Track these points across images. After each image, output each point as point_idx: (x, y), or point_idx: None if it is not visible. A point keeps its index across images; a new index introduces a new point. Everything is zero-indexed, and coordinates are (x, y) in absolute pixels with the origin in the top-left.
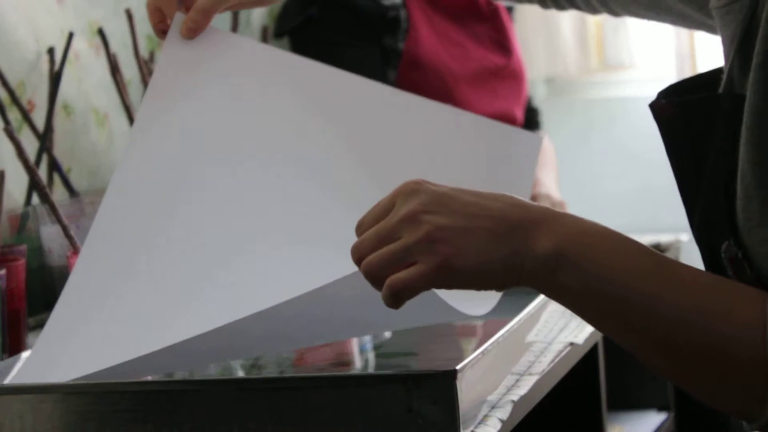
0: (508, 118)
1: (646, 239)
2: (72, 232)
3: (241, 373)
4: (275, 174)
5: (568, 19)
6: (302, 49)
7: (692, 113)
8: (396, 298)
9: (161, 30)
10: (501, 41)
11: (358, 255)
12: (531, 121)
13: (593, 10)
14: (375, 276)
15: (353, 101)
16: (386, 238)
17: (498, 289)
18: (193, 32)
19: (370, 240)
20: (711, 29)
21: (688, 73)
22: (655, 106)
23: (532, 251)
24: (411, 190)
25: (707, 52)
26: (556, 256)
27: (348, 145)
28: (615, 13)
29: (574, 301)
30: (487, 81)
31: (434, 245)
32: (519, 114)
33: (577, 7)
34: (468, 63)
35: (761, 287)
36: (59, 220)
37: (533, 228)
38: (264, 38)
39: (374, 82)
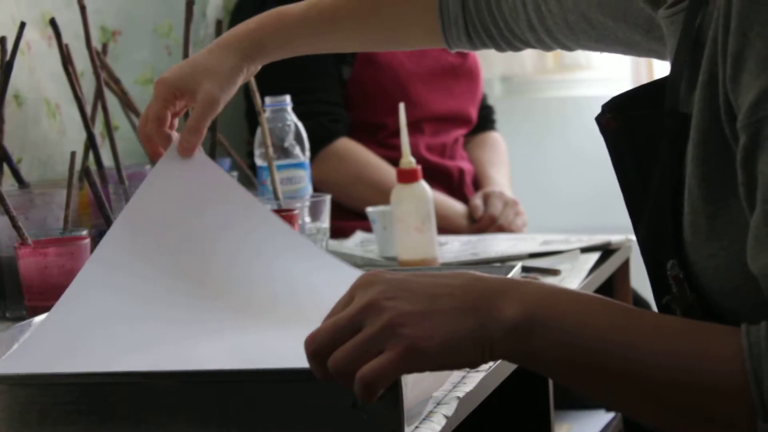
0: (463, 117)
1: (597, 239)
2: (20, 223)
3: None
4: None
5: None
6: None
7: (637, 129)
8: (369, 390)
9: (156, 155)
10: None
11: (314, 346)
12: (485, 119)
13: (547, 48)
14: (343, 371)
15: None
16: (346, 328)
17: (472, 366)
18: (189, 151)
19: (327, 330)
20: (659, 55)
21: (643, 74)
22: (600, 120)
23: (499, 321)
24: (368, 281)
25: None
26: (525, 320)
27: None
28: (568, 48)
29: (550, 363)
30: (443, 80)
31: (398, 330)
32: (473, 112)
33: (532, 46)
34: (423, 61)
35: (702, 308)
36: (7, 211)
37: (497, 298)
38: (218, 31)
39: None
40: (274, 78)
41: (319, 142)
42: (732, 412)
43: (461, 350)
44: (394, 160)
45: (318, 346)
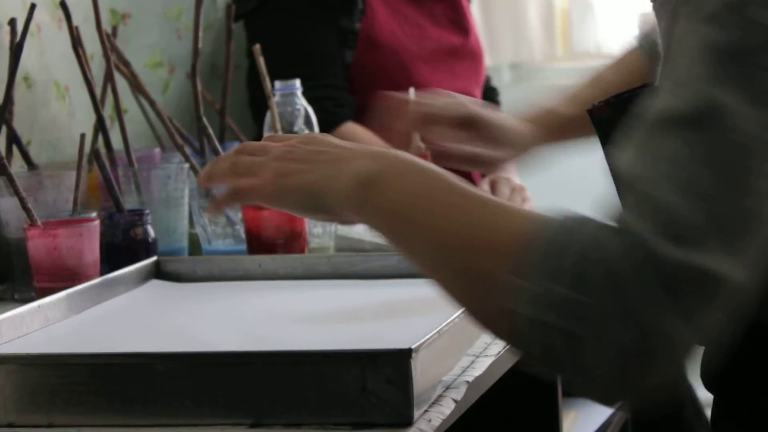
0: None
1: None
2: (30, 205)
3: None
4: None
5: (534, 5)
6: (257, 33)
7: (626, 112)
8: (226, 199)
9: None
10: (458, 21)
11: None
12: (490, 100)
13: None
14: (213, 173)
15: None
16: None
17: (316, 214)
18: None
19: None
20: None
21: None
22: (592, 109)
23: (348, 170)
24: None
25: None
26: (369, 175)
27: None
28: None
29: (376, 224)
30: (446, 61)
31: (277, 163)
32: (478, 93)
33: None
34: (425, 43)
35: None
36: (17, 193)
37: (350, 155)
38: (228, 16)
39: None
40: (278, 63)
41: (324, 128)
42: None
43: (305, 198)
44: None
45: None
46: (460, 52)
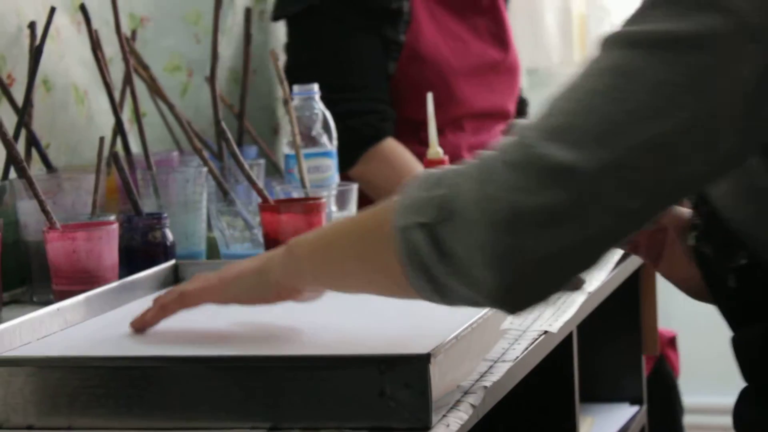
0: (503, 113)
1: None
2: (49, 208)
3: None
4: None
5: (552, 10)
6: (301, 37)
7: None
8: (178, 304)
9: None
10: (499, 35)
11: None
12: (520, 112)
13: None
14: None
15: None
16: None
17: (267, 295)
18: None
19: None
20: None
21: None
22: None
23: (278, 251)
24: None
25: None
26: (293, 242)
27: None
28: None
29: (303, 269)
30: (485, 75)
31: (215, 272)
32: (512, 108)
33: None
34: (467, 57)
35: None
36: (36, 195)
37: (281, 246)
38: (247, 20)
39: None
40: (320, 71)
41: (367, 142)
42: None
43: (249, 278)
44: (466, 149)
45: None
46: (500, 67)
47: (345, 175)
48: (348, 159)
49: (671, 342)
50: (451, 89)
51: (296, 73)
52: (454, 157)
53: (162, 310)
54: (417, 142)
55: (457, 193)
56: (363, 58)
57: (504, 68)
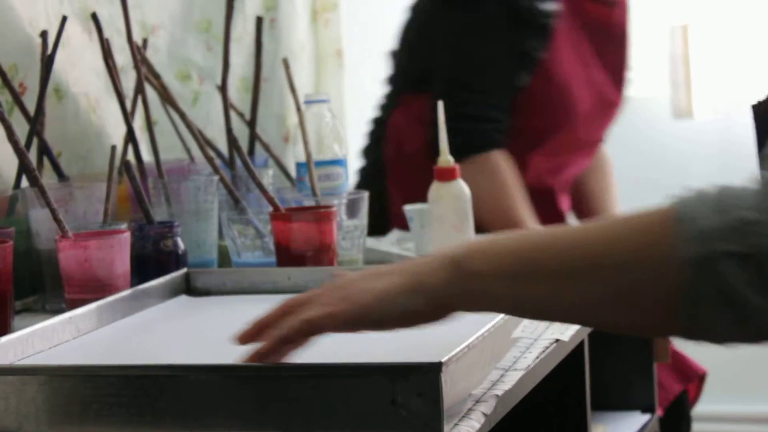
0: (596, 141)
1: None
2: (60, 216)
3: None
4: None
5: None
6: (430, 27)
7: None
8: (303, 334)
9: None
10: (620, 71)
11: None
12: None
13: None
14: (266, 323)
15: None
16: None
17: (426, 319)
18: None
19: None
20: None
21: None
22: (756, 105)
23: (433, 265)
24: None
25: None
26: (460, 251)
27: None
28: None
29: (494, 283)
30: (599, 109)
31: (334, 293)
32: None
33: None
34: (590, 88)
35: None
36: (48, 204)
37: (432, 257)
38: (258, 28)
39: None
40: (447, 64)
41: (474, 148)
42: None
43: (397, 300)
44: (548, 170)
45: (287, 301)
46: (612, 105)
47: None
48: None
49: (701, 380)
50: (569, 114)
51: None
52: (538, 178)
53: (284, 343)
54: (536, 153)
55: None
56: (497, 65)
57: (614, 106)
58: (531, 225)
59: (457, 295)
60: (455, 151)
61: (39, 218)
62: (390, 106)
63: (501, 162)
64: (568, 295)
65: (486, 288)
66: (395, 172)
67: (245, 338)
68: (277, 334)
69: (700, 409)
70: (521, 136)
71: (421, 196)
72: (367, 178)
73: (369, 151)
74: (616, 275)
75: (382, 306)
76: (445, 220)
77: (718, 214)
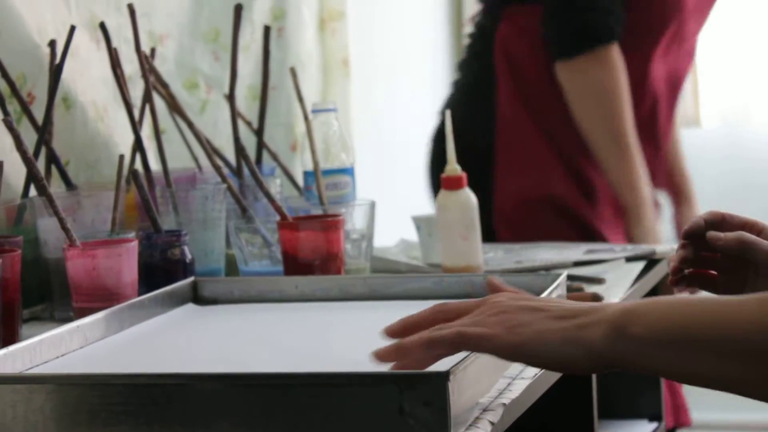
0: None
1: (642, 248)
2: (68, 225)
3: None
4: None
5: None
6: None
7: None
8: (455, 341)
9: None
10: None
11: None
12: None
13: None
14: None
15: None
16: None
17: (581, 371)
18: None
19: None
20: None
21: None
22: None
23: (599, 321)
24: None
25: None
26: (623, 314)
27: None
28: None
29: (650, 349)
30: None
31: (501, 315)
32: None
33: None
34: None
35: None
36: (56, 213)
37: (592, 309)
38: (266, 37)
39: None
40: None
41: (596, 40)
42: None
43: (556, 347)
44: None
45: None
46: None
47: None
48: (568, 50)
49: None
50: (678, 5)
51: None
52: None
53: (430, 347)
54: (653, 54)
55: None
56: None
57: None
58: (632, 139)
59: (614, 356)
60: (572, 43)
61: (47, 227)
62: (491, 20)
63: (618, 58)
64: (726, 370)
65: (644, 353)
66: (504, 79)
67: (392, 332)
68: (427, 335)
69: (702, 417)
70: (635, 32)
71: (535, 101)
72: (469, 88)
73: (467, 65)
74: (746, 347)
75: (539, 347)
76: (452, 229)
77: None
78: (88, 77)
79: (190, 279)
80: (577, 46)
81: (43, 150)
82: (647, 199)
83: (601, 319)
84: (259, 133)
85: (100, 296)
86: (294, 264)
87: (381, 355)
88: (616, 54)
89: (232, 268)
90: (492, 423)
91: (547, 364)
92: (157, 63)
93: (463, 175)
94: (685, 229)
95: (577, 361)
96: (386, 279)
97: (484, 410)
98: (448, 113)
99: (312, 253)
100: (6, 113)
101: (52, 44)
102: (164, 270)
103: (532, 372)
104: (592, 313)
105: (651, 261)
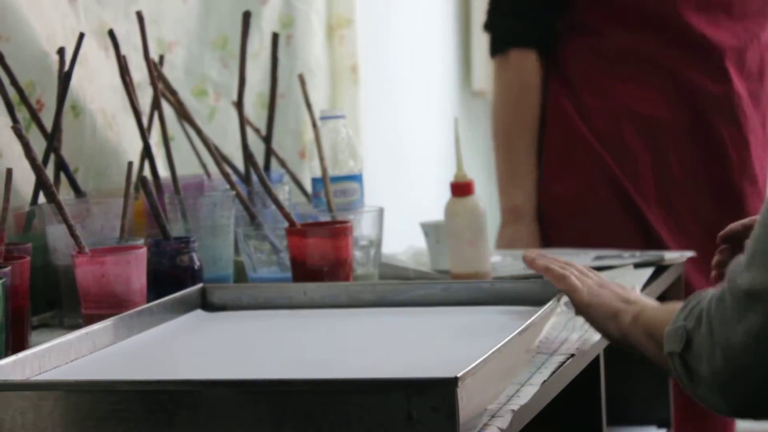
0: None
1: (651, 254)
2: (77, 232)
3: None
4: None
5: None
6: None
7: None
8: (557, 280)
9: None
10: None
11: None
12: None
13: None
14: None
15: None
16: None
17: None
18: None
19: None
20: None
21: None
22: None
23: (622, 298)
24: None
25: None
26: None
27: None
28: None
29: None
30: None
31: (592, 280)
32: None
33: None
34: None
35: None
36: (65, 220)
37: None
38: (274, 44)
39: None
40: None
41: (498, 45)
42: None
43: (601, 316)
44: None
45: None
46: None
47: None
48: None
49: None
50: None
51: None
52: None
53: (545, 272)
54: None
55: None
56: None
57: None
58: (506, 146)
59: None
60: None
61: (56, 234)
62: None
63: (517, 65)
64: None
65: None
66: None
67: (530, 259)
68: (546, 264)
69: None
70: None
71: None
72: None
73: None
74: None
75: (593, 313)
76: (460, 235)
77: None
78: (97, 84)
79: (199, 286)
80: (491, 49)
81: (52, 157)
82: (507, 207)
83: (630, 310)
84: (267, 140)
85: (109, 303)
86: (302, 270)
87: (528, 258)
88: (522, 59)
89: (240, 274)
90: (501, 429)
91: (593, 324)
92: (166, 70)
93: (472, 181)
94: (720, 234)
95: (610, 330)
96: (394, 286)
97: (493, 416)
98: (456, 120)
99: (320, 259)
100: (15, 120)
101: (61, 52)
102: (173, 277)
103: (540, 378)
104: (622, 296)
105: (659, 267)
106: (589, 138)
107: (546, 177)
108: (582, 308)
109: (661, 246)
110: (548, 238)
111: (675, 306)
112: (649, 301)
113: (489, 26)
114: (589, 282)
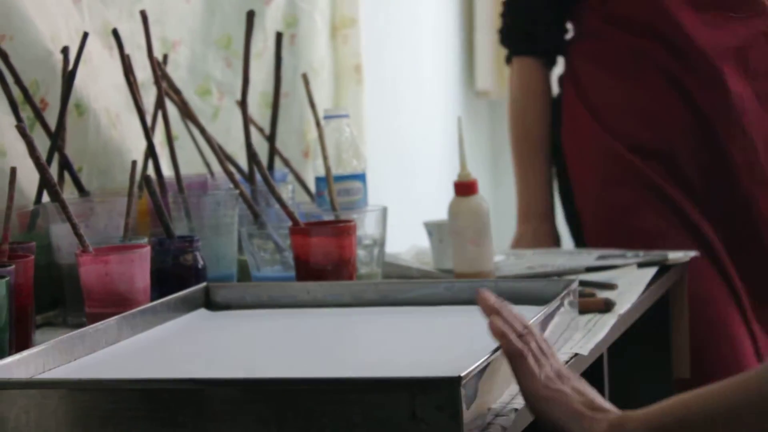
0: None
1: (654, 254)
2: (81, 231)
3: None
4: None
5: None
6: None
7: None
8: (508, 354)
9: None
10: None
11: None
12: None
13: None
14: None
15: None
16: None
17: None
18: None
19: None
20: None
21: None
22: None
23: (600, 410)
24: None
25: None
26: (622, 416)
27: None
28: None
29: None
30: None
31: (550, 367)
32: None
33: None
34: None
35: None
36: (69, 219)
37: (599, 401)
38: (278, 43)
39: None
40: None
41: (511, 51)
42: None
43: (561, 418)
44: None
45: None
46: None
47: None
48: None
49: None
50: None
51: None
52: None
53: (499, 337)
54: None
55: None
56: None
57: None
58: (518, 152)
59: None
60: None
61: (60, 233)
62: None
63: (525, 72)
64: None
65: None
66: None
67: (485, 300)
68: (501, 330)
69: None
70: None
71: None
72: None
73: None
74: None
75: (548, 409)
76: (463, 235)
77: None
78: (100, 84)
79: (203, 284)
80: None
81: (56, 156)
82: (518, 208)
83: (604, 414)
84: (271, 139)
85: (113, 302)
86: (306, 270)
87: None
88: (523, 67)
89: (244, 273)
90: (504, 428)
91: (556, 423)
92: (170, 69)
93: (475, 180)
94: None
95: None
96: (398, 285)
97: (497, 415)
98: (460, 120)
99: (324, 258)
100: (19, 119)
101: (65, 51)
102: (176, 276)
103: None
104: (603, 411)
105: (663, 267)
106: (603, 136)
107: (572, 177)
108: (535, 399)
109: (700, 235)
110: (581, 236)
111: (722, 385)
112: (614, 408)
113: (499, 35)
114: (547, 369)
